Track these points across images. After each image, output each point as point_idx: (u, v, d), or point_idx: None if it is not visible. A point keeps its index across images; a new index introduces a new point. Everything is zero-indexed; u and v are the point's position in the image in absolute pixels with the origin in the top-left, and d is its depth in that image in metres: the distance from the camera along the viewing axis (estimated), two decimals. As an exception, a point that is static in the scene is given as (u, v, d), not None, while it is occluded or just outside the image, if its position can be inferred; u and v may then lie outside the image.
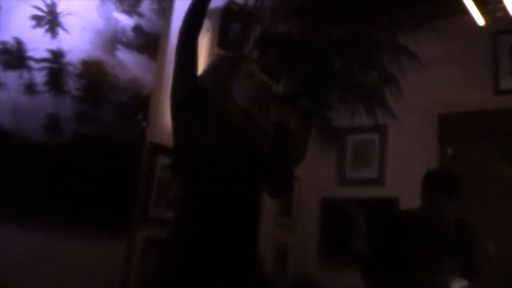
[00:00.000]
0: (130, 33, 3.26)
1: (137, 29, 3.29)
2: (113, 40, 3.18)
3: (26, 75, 2.81)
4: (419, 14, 3.60)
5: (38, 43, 2.88)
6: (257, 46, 3.65)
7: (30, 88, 2.82)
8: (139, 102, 3.26)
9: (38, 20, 2.89)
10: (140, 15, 3.30)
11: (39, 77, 2.86)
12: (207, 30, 3.56)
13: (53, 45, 2.94)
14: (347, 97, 3.58)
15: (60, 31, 2.95)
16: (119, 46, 3.20)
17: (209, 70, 2.04)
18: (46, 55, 2.90)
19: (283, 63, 3.59)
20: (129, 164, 3.14)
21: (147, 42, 3.33)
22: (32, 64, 2.83)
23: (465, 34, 4.25)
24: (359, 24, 3.61)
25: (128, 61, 3.24)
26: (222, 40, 3.81)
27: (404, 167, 4.36)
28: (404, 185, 4.18)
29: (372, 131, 4.50)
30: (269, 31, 3.64)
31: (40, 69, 2.86)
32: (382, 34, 3.64)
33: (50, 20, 2.92)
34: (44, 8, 2.91)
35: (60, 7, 2.98)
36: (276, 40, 3.61)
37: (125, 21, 3.23)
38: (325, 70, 3.54)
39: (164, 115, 3.38)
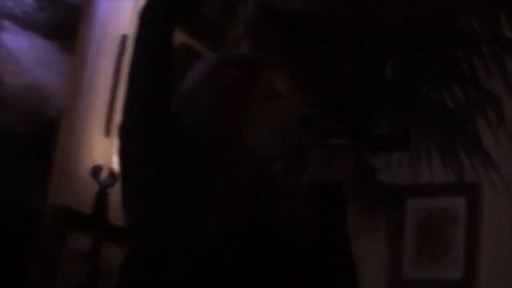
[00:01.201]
0: (29, 1, 2.93)
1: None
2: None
3: None
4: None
5: None
6: (252, 32, 3.13)
7: None
8: (39, 132, 2.80)
9: None
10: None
11: None
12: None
13: None
14: (408, 131, 3.04)
15: None
16: (6, 24, 2.81)
17: (191, 90, 1.65)
18: None
19: (293, 64, 2.84)
20: (17, 243, 2.74)
21: (59, 20, 2.91)
22: None
23: None
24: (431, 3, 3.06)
25: (22, 53, 2.81)
26: (193, 24, 3.23)
27: None
28: None
29: (454, 193, 3.76)
30: (270, 7, 3.13)
31: None
32: (473, 20, 3.14)
33: None
34: None
35: None
36: (282, 22, 3.09)
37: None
38: (368, 81, 3.11)
39: (83, 156, 2.90)
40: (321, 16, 3.12)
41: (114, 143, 2.87)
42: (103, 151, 2.79)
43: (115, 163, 2.85)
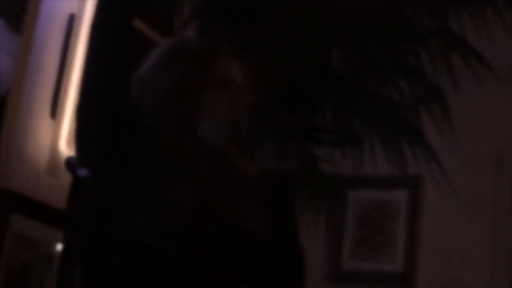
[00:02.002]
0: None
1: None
2: None
3: None
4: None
5: None
6: (199, 15, 3.21)
7: None
8: None
9: None
10: None
11: None
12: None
13: None
14: (352, 122, 3.10)
15: None
16: None
17: (144, 78, 1.66)
18: None
19: (244, 51, 2.64)
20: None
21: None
22: None
23: None
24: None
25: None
26: (142, 7, 2.89)
27: (453, 254, 3.72)
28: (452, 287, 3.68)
29: (396, 186, 3.85)
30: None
31: None
32: (420, 14, 3.16)
33: None
34: None
35: None
36: (231, 7, 3.16)
37: None
38: (316, 68, 3.09)
39: (29, 138, 2.86)
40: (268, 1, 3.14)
41: (61, 124, 2.84)
42: (50, 132, 2.74)
43: (61, 145, 2.83)
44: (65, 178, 2.76)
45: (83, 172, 2.40)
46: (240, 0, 3.22)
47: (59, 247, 2.96)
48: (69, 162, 1.96)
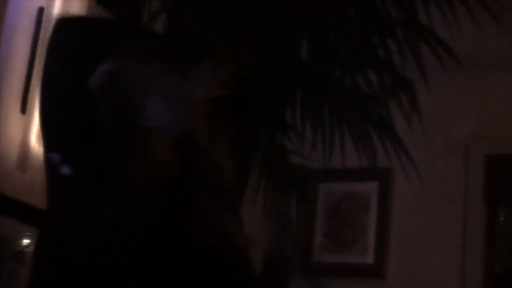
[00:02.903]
0: None
1: None
2: None
3: None
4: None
5: None
6: (168, 7, 3.09)
7: None
8: None
9: None
10: None
11: None
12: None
13: None
14: (321, 114, 2.98)
15: None
16: None
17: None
18: None
19: (209, 40, 3.03)
20: None
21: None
22: None
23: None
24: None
25: None
26: None
27: (424, 245, 3.80)
28: (421, 280, 3.69)
29: (365, 178, 3.94)
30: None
31: None
32: (388, 4, 3.03)
33: None
34: None
35: None
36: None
37: None
38: (284, 60, 2.98)
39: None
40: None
41: (31, 119, 2.80)
42: (19, 128, 2.69)
43: (32, 140, 2.79)
44: (35, 173, 2.78)
45: (65, 170, 2.47)
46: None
47: (29, 243, 2.90)
48: (50, 159, 1.95)
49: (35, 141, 2.74)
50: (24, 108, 2.72)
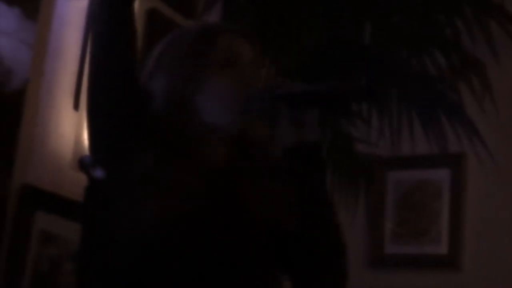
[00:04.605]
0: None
1: None
2: None
3: None
4: None
5: None
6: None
7: None
8: (2, 106, 2.68)
9: None
10: None
11: None
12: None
13: None
14: (387, 99, 2.98)
15: None
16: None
17: (154, 63, 1.66)
18: None
19: (266, 30, 3.06)
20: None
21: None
22: None
23: None
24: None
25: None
26: None
27: (501, 233, 3.62)
28: (499, 270, 3.54)
29: (436, 165, 3.75)
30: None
31: None
32: None
33: None
34: None
35: None
36: None
37: None
38: (348, 44, 3.04)
39: (51, 131, 2.82)
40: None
41: (84, 116, 2.82)
42: (72, 125, 2.68)
43: (85, 137, 2.80)
44: (90, 172, 2.70)
45: (98, 172, 2.48)
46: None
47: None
48: (82, 161, 1.94)
49: (89, 139, 2.70)
50: (77, 104, 2.70)
